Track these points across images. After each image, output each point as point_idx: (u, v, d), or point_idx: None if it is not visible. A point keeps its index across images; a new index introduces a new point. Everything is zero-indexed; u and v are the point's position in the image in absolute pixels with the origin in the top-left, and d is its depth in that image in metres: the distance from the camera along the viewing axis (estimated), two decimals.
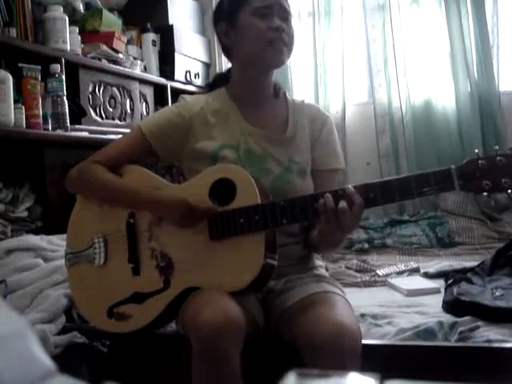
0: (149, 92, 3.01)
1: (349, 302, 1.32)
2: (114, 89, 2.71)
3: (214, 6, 3.61)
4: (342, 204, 1.15)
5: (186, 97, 1.48)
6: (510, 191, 1.10)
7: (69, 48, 2.36)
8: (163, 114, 1.46)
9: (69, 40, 2.36)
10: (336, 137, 1.50)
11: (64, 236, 1.58)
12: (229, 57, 1.50)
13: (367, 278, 2.19)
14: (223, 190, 1.28)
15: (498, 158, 1.10)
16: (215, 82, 1.55)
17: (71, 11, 2.49)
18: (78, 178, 1.44)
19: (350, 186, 1.17)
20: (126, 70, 2.79)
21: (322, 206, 1.17)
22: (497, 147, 1.14)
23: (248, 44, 1.40)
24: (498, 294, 1.60)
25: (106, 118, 2.63)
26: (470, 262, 2.19)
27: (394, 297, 1.92)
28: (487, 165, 1.10)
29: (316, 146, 1.45)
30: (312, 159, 1.45)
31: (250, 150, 1.40)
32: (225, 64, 3.64)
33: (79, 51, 2.47)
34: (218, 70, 3.57)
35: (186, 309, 1.22)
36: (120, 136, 2.41)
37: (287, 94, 1.53)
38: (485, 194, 1.11)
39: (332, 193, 1.18)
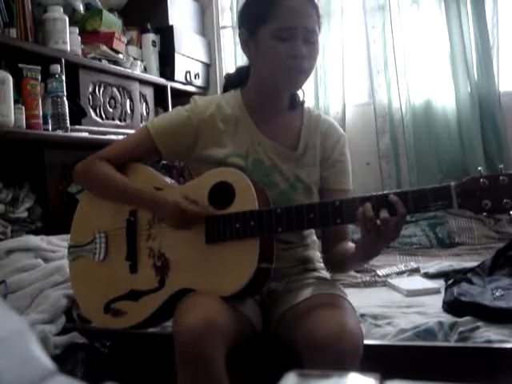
0: (149, 92, 3.01)
1: (351, 303, 1.31)
2: (114, 89, 2.71)
3: (214, 6, 3.61)
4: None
5: (198, 99, 1.43)
6: (511, 212, 1.04)
7: (69, 48, 2.37)
8: (172, 117, 1.43)
9: (69, 40, 2.37)
10: (348, 157, 1.45)
11: (64, 237, 1.59)
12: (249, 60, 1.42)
13: (367, 279, 2.18)
14: (222, 193, 1.27)
15: (500, 178, 1.05)
16: (231, 81, 1.48)
17: (71, 12, 2.49)
18: (83, 173, 1.45)
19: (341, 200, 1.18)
20: (126, 70, 2.79)
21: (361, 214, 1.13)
22: (501, 166, 1.08)
23: (264, 66, 1.34)
24: (498, 294, 1.59)
25: (106, 118, 2.63)
26: (470, 263, 2.18)
27: (394, 297, 1.92)
28: (489, 184, 1.06)
29: (326, 166, 1.42)
30: (321, 178, 1.42)
31: (258, 160, 1.37)
32: (225, 64, 3.63)
33: (79, 52, 2.48)
34: (217, 70, 3.57)
35: (176, 311, 1.22)
36: (120, 136, 2.42)
37: (305, 106, 1.46)
38: (484, 214, 1.07)
39: (328, 202, 1.19)
